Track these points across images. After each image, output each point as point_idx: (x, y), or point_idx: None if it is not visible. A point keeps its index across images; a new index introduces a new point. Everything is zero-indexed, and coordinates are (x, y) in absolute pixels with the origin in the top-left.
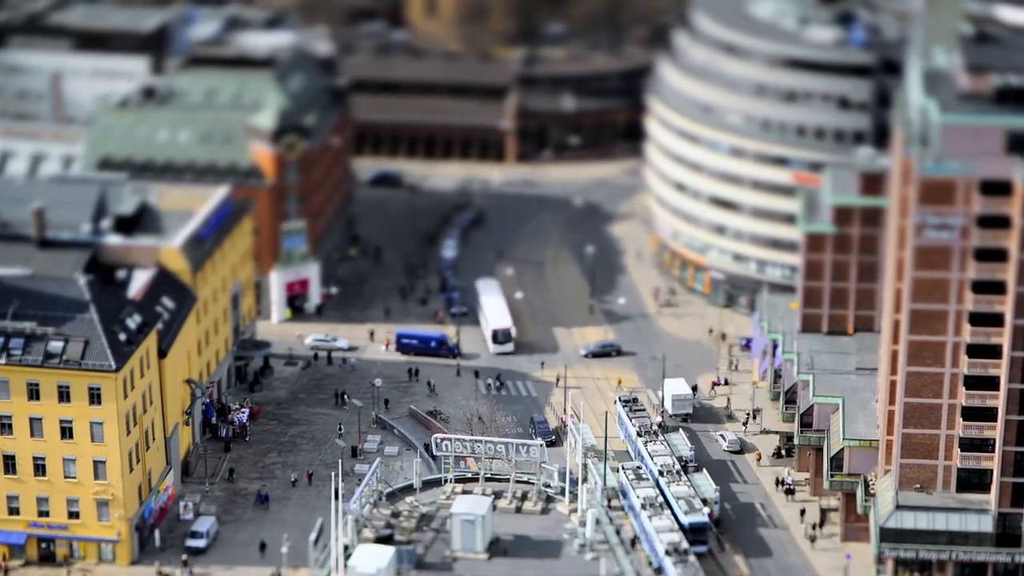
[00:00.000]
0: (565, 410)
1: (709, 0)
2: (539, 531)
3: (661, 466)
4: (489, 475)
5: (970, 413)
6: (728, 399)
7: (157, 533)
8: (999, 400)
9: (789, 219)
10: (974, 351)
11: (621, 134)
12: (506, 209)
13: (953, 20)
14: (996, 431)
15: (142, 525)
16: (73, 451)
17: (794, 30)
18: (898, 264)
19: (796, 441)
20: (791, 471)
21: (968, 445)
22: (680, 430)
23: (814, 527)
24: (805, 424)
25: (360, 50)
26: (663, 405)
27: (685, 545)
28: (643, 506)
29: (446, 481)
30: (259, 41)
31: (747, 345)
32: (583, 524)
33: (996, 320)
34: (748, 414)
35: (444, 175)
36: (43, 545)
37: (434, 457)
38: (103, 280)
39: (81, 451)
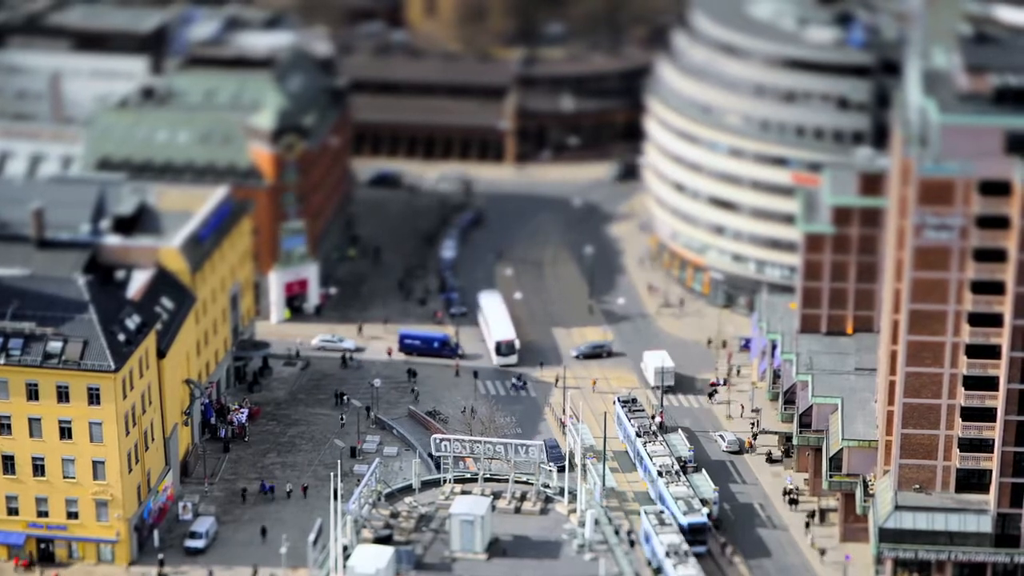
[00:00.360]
0: (564, 411)
1: (708, 0)
2: (538, 531)
3: (660, 466)
4: (488, 475)
5: (969, 413)
6: (728, 400)
7: (156, 533)
8: (998, 400)
9: (788, 219)
10: (973, 351)
11: (620, 134)
12: (505, 209)
13: (952, 20)
14: (995, 431)
15: (141, 525)
16: (72, 451)
17: (793, 30)
18: (897, 264)
19: (795, 442)
20: (791, 474)
21: (967, 445)
22: (679, 430)
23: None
24: (804, 424)
25: (359, 50)
26: (662, 406)
27: None
28: (667, 554)
29: (445, 481)
30: (258, 41)
31: (746, 345)
32: (582, 524)
33: (995, 320)
34: (741, 406)
35: (443, 175)
36: (42, 545)
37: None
38: (102, 280)
39: (80, 451)
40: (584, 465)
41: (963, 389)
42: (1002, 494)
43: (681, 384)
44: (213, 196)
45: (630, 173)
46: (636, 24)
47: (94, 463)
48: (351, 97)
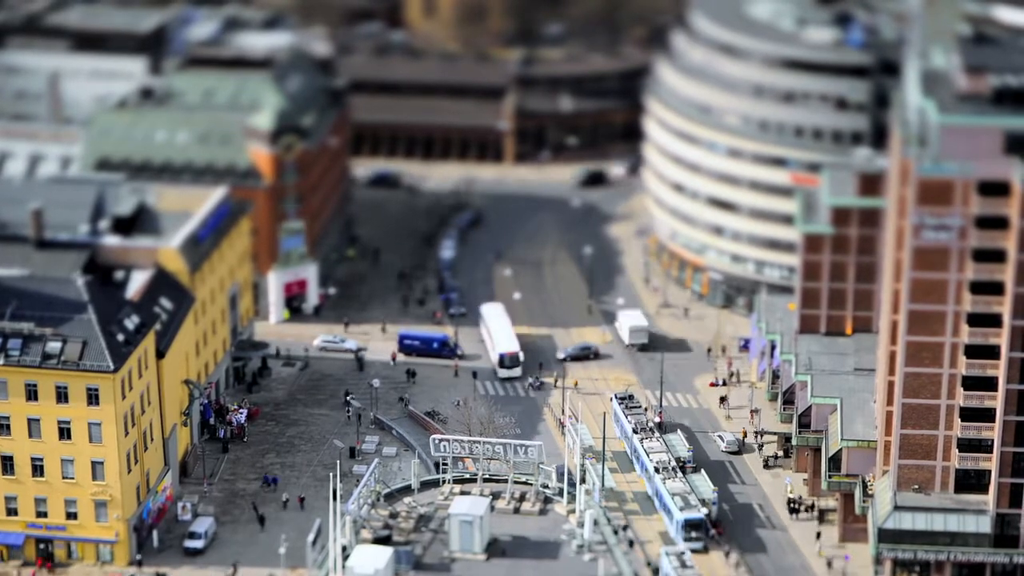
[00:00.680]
0: (563, 411)
1: (707, 1)
2: (537, 532)
3: (657, 463)
4: (487, 476)
5: (968, 414)
6: (727, 400)
7: (155, 534)
8: (997, 401)
9: (787, 220)
10: (972, 352)
11: (619, 135)
12: (504, 210)
13: (951, 21)
14: (994, 432)
15: (140, 526)
16: (71, 452)
17: (792, 31)
18: (896, 265)
19: (794, 442)
20: (790, 474)
21: (966, 446)
22: (678, 430)
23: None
24: (803, 425)
25: (358, 51)
26: (661, 406)
27: None
28: None
29: (444, 482)
30: (257, 42)
31: (745, 346)
32: (581, 525)
33: (994, 321)
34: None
35: (442, 176)
36: (41, 546)
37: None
38: (101, 281)
39: (79, 452)
40: (583, 465)
41: (962, 389)
42: (1001, 494)
43: (655, 343)
44: (212, 196)
45: (597, 179)
46: (635, 24)
47: (93, 463)
48: (350, 97)
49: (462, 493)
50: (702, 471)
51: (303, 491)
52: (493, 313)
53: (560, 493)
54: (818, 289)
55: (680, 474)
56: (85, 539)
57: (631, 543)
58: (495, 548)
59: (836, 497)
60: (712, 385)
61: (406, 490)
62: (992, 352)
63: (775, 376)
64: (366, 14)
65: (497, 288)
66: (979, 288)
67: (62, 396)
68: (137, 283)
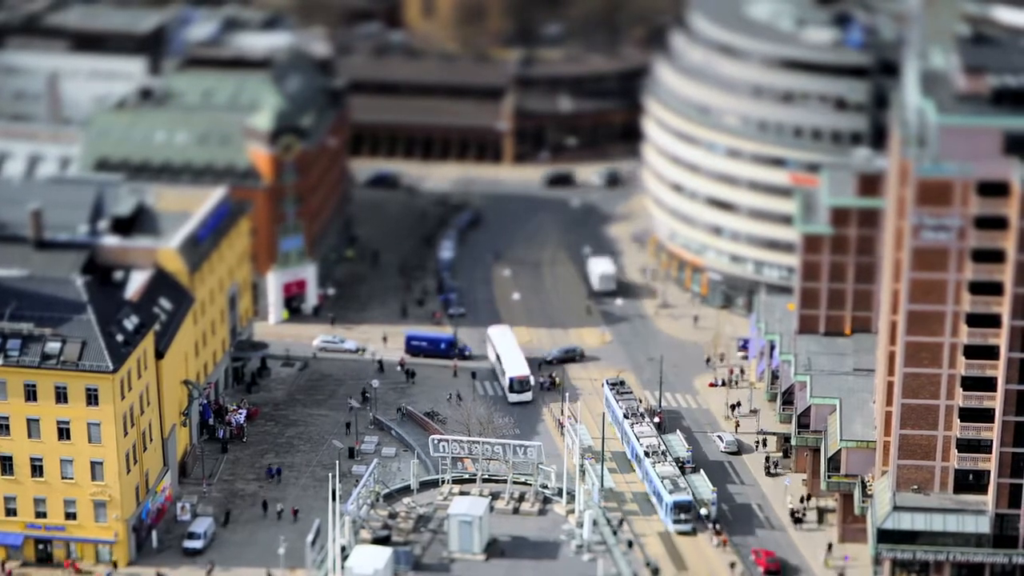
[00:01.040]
0: (562, 411)
1: (706, 1)
2: (536, 532)
3: (647, 447)
4: (486, 476)
5: (967, 414)
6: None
7: (154, 534)
8: (996, 401)
9: (786, 220)
10: (971, 352)
11: (618, 135)
12: (503, 210)
13: (950, 21)
14: (993, 432)
15: (139, 526)
16: (70, 452)
17: (791, 31)
18: (895, 265)
19: (793, 442)
20: (790, 474)
21: (965, 446)
22: (678, 431)
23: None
24: (802, 425)
25: (357, 51)
26: (659, 406)
27: None
28: None
29: (443, 482)
30: (256, 42)
31: (744, 346)
32: (580, 525)
33: (993, 321)
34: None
35: (441, 176)
36: (40, 546)
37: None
38: (100, 281)
39: (78, 452)
40: (582, 466)
41: (961, 390)
42: (1000, 495)
43: (625, 291)
44: (211, 197)
45: (563, 180)
46: (634, 25)
47: (92, 464)
48: (349, 98)
49: (461, 493)
50: (701, 471)
51: (298, 502)
52: (501, 335)
53: (559, 493)
54: (817, 289)
55: (669, 457)
56: (84, 539)
57: (630, 543)
58: (494, 548)
59: (835, 498)
60: (711, 385)
61: (405, 490)
62: (991, 352)
63: (774, 376)
64: (365, 14)
65: (496, 288)
66: (978, 288)
67: (61, 396)
68: (136, 283)
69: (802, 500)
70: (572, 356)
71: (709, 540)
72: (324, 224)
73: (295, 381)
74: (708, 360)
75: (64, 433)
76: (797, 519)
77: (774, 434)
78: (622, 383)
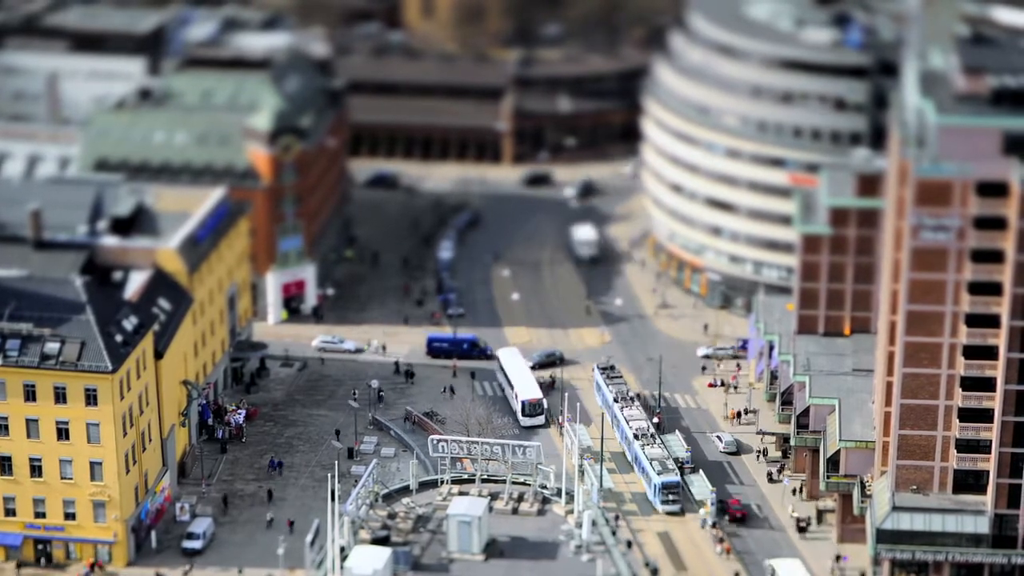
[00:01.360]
0: (561, 411)
1: (705, 1)
2: (535, 532)
3: (636, 430)
4: (485, 476)
5: (966, 414)
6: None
7: (153, 534)
8: (995, 401)
9: (785, 220)
10: (970, 352)
11: (617, 135)
12: (502, 210)
13: (949, 21)
14: (992, 432)
15: (138, 526)
16: (69, 452)
17: (790, 31)
18: (894, 265)
19: (792, 442)
20: (788, 474)
21: (964, 446)
22: (677, 431)
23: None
24: (801, 425)
25: (356, 51)
26: (659, 407)
27: None
28: None
29: (442, 482)
30: (255, 42)
31: (743, 346)
32: (579, 525)
33: (992, 321)
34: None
35: (441, 177)
36: (39, 546)
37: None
38: (99, 281)
39: (77, 452)
40: (581, 466)
41: (960, 390)
42: (999, 495)
43: (607, 258)
44: (210, 197)
45: (541, 180)
46: (633, 25)
47: (91, 464)
48: (348, 98)
49: (460, 494)
50: (700, 472)
51: (297, 502)
52: (511, 357)
53: (558, 494)
54: (816, 290)
55: (657, 439)
56: (83, 540)
57: (629, 543)
58: (493, 548)
59: (834, 498)
60: (710, 386)
61: (404, 491)
62: (990, 353)
63: (773, 377)
64: (364, 15)
65: (495, 289)
66: (977, 289)
67: (60, 397)
68: (135, 284)
69: (794, 492)
70: (552, 360)
71: (712, 547)
72: (323, 224)
73: (294, 381)
74: (704, 369)
75: (63, 433)
76: (802, 528)
77: (773, 434)
78: (612, 368)
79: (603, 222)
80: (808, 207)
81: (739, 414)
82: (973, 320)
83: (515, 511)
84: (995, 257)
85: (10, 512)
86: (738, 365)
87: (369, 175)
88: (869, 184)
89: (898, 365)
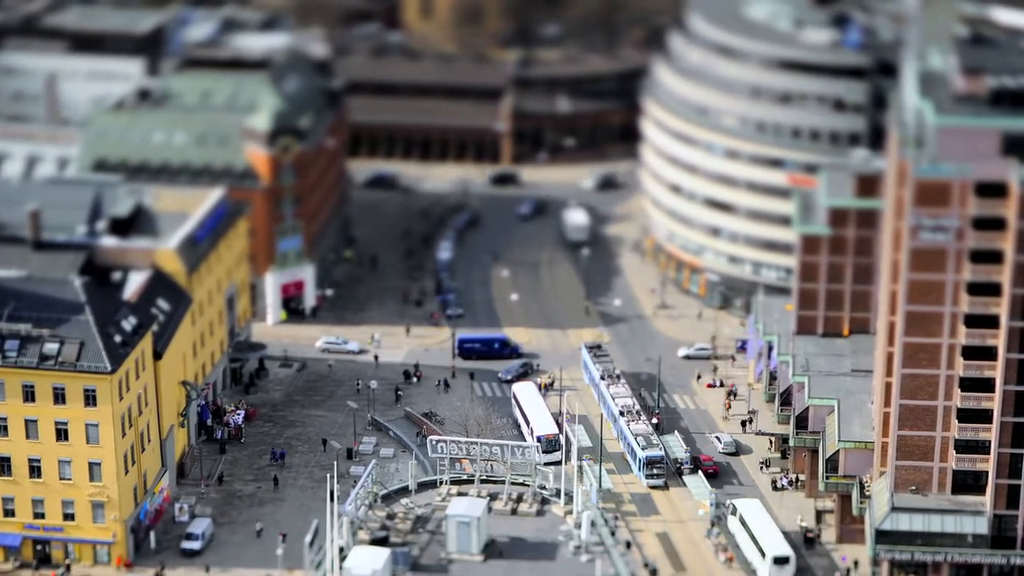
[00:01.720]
0: (560, 412)
1: (704, 2)
2: (534, 533)
3: (622, 407)
4: (484, 477)
5: (965, 415)
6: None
7: (152, 535)
8: (994, 402)
9: (784, 221)
10: (969, 353)
11: (616, 136)
12: (501, 211)
13: (948, 22)
14: (991, 433)
15: (137, 527)
16: (68, 453)
17: (789, 32)
18: (893, 266)
19: (791, 443)
20: (786, 473)
21: (963, 447)
22: (676, 432)
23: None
24: (800, 426)
25: (355, 52)
26: (658, 407)
27: None
28: None
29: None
30: (254, 43)
31: (742, 347)
32: (578, 526)
33: (991, 322)
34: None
35: (440, 177)
36: (38, 547)
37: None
38: (98, 282)
39: (76, 453)
40: (580, 466)
41: (959, 391)
42: (998, 496)
43: (598, 241)
44: (209, 197)
45: (507, 179)
46: (632, 25)
47: (90, 464)
48: (347, 98)
49: (459, 494)
50: (699, 472)
51: (296, 502)
52: (527, 393)
53: (557, 494)
54: (815, 290)
55: (642, 416)
56: (82, 540)
57: (628, 544)
58: (492, 549)
59: (833, 498)
60: (709, 386)
61: (403, 491)
62: (989, 353)
63: (772, 377)
64: (363, 15)
65: (494, 289)
66: (976, 289)
67: (59, 397)
68: (134, 284)
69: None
70: (525, 370)
71: (715, 555)
72: (322, 225)
73: (293, 382)
74: (699, 377)
75: (62, 434)
76: (809, 539)
77: (772, 434)
78: (599, 347)
79: (601, 223)
80: (807, 208)
81: (744, 423)
82: (972, 321)
83: (514, 512)
84: (994, 258)
85: (9, 513)
86: (715, 368)
87: (368, 175)
88: (868, 185)
89: (897, 366)
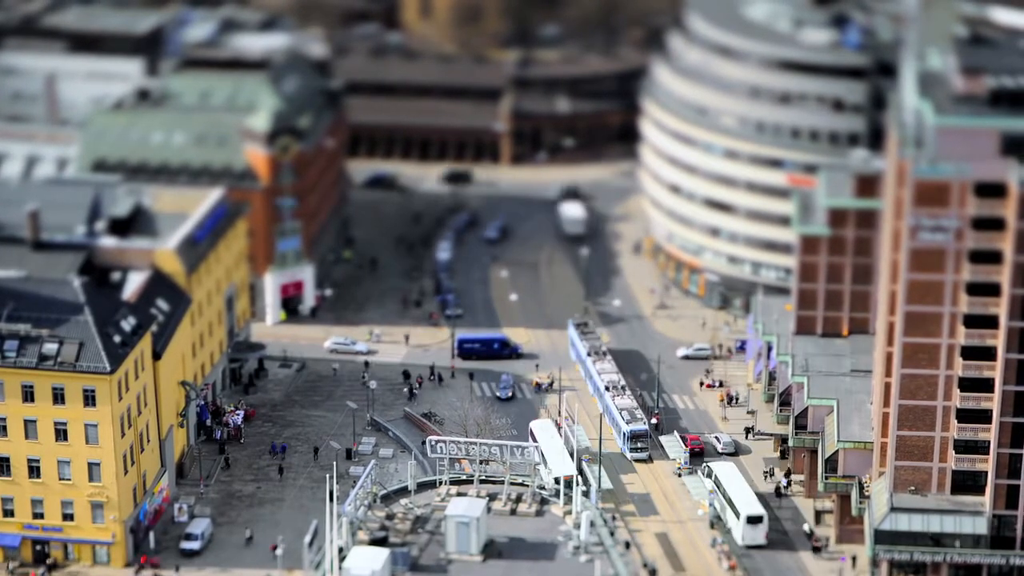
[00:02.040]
0: (560, 412)
1: (703, 2)
2: (534, 533)
3: (607, 382)
4: (484, 477)
5: (965, 415)
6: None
7: (152, 535)
8: (994, 402)
9: (783, 221)
10: (969, 353)
11: (615, 136)
12: (500, 211)
13: (947, 22)
14: (991, 433)
15: (137, 527)
16: (68, 453)
17: (788, 32)
18: (893, 266)
19: (791, 443)
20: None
21: (963, 447)
22: (675, 432)
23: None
24: (800, 426)
25: (354, 52)
26: (657, 407)
27: None
28: None
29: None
30: (253, 43)
31: (742, 347)
32: (577, 526)
33: (991, 322)
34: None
35: (439, 178)
36: (38, 547)
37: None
38: (98, 282)
39: (76, 453)
40: (580, 467)
41: (959, 391)
42: (997, 496)
43: (596, 235)
44: (208, 198)
45: (460, 178)
46: (631, 26)
47: (90, 465)
48: (346, 99)
49: (459, 494)
50: (698, 472)
51: (295, 502)
52: (545, 431)
53: (557, 495)
54: (815, 290)
55: (627, 392)
56: (81, 540)
57: (627, 544)
58: (491, 549)
59: (832, 499)
60: (709, 387)
61: (403, 491)
62: (988, 353)
63: (771, 377)
64: (362, 15)
65: (493, 290)
66: (975, 289)
67: (59, 397)
68: (134, 284)
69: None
70: (513, 395)
71: (719, 563)
72: (321, 225)
73: (292, 382)
74: (701, 383)
75: (61, 434)
76: (816, 548)
77: (771, 435)
78: (586, 324)
79: (600, 223)
80: (806, 208)
81: (748, 431)
82: (971, 321)
83: (513, 512)
84: (993, 258)
85: (8, 513)
86: (707, 371)
87: (367, 176)
88: (867, 185)
89: (896, 366)
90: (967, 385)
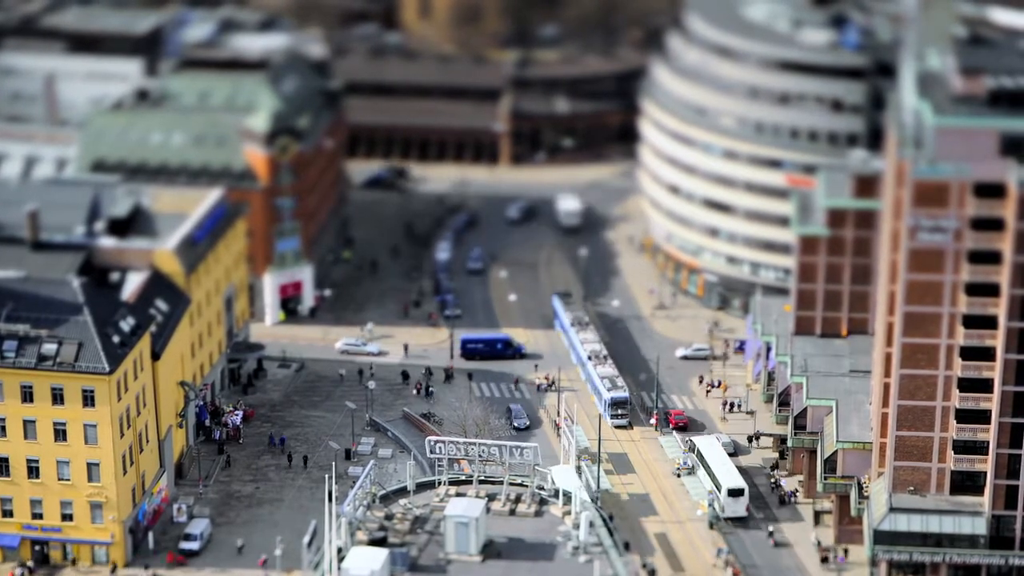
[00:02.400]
0: (559, 412)
1: (702, 2)
2: (533, 533)
3: (589, 352)
4: (483, 477)
5: (964, 416)
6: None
7: (151, 535)
8: (993, 403)
9: (783, 221)
10: (968, 353)
11: (615, 136)
12: (500, 211)
13: (946, 22)
14: (990, 433)
15: (136, 527)
16: (67, 453)
17: (787, 32)
18: (892, 266)
19: (790, 444)
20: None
21: (962, 447)
22: (675, 432)
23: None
24: (799, 427)
25: (354, 52)
26: (656, 407)
27: None
28: None
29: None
30: (252, 43)
31: (741, 348)
32: (577, 527)
33: (990, 323)
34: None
35: (438, 178)
36: (37, 547)
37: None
38: (97, 282)
39: (75, 453)
40: (579, 467)
41: (958, 391)
42: (996, 496)
43: (591, 225)
44: (208, 198)
45: (399, 175)
46: (630, 26)
47: (89, 465)
48: (345, 99)
49: (458, 495)
50: (698, 472)
51: (294, 503)
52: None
53: (556, 495)
54: (814, 291)
55: (608, 361)
56: (81, 541)
57: (627, 545)
58: (491, 550)
59: (831, 499)
60: (710, 388)
61: (402, 492)
62: (988, 354)
63: (770, 378)
64: (362, 16)
65: (493, 290)
66: (975, 290)
67: (58, 398)
68: (133, 285)
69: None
70: (530, 425)
71: (723, 569)
72: (321, 225)
73: (291, 383)
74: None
75: (60, 434)
76: (824, 558)
77: (770, 435)
78: (569, 294)
79: (599, 223)
80: (805, 208)
81: (751, 438)
82: (970, 321)
83: (512, 512)
84: (992, 258)
85: (7, 513)
86: (702, 375)
87: (366, 176)
88: (866, 185)
89: (895, 366)
90: (966, 385)
